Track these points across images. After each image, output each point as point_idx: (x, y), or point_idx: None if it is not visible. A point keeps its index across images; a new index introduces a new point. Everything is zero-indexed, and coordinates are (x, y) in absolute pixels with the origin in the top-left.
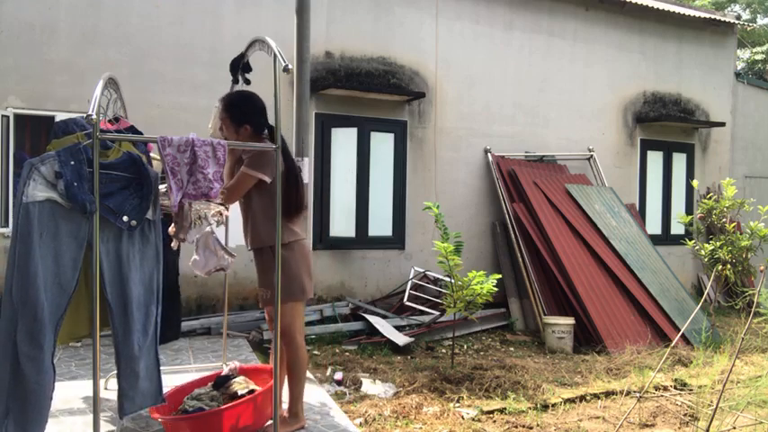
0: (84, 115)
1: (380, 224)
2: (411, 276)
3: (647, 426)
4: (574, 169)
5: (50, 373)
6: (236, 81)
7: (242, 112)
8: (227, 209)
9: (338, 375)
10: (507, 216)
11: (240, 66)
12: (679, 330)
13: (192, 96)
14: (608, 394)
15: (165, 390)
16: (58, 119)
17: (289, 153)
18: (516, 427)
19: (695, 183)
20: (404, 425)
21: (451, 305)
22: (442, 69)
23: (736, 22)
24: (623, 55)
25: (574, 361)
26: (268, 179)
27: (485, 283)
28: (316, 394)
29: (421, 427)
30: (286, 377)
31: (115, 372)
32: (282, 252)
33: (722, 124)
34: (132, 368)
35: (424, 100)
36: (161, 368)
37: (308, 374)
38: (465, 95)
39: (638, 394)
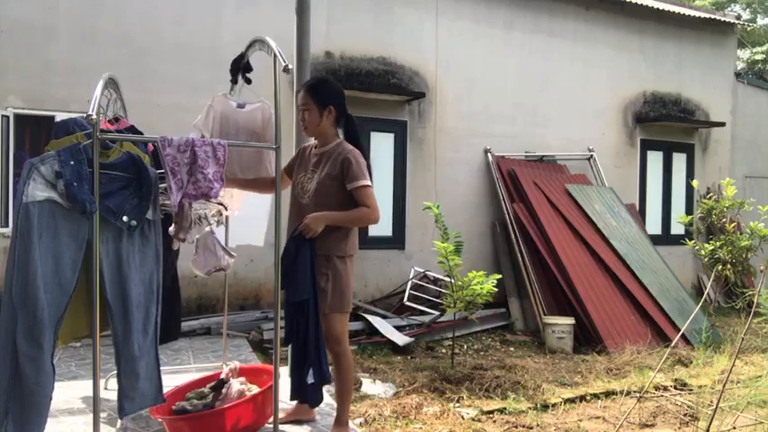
0: (84, 115)
1: (380, 224)
2: (411, 276)
3: (647, 426)
4: (574, 169)
5: (50, 374)
6: (235, 81)
7: (326, 94)
8: (226, 209)
9: None
10: (507, 216)
11: (240, 66)
12: (679, 330)
13: (192, 96)
14: (608, 394)
15: (165, 390)
16: (57, 119)
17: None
18: (516, 427)
19: (695, 183)
20: (404, 425)
21: (451, 305)
22: (442, 69)
23: (736, 22)
24: (623, 55)
25: (574, 361)
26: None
27: (485, 284)
28: None
29: (421, 427)
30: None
31: (115, 372)
32: (339, 265)
33: (722, 124)
34: (132, 368)
35: (424, 100)
36: (161, 368)
37: None
38: (465, 95)
39: (638, 394)
